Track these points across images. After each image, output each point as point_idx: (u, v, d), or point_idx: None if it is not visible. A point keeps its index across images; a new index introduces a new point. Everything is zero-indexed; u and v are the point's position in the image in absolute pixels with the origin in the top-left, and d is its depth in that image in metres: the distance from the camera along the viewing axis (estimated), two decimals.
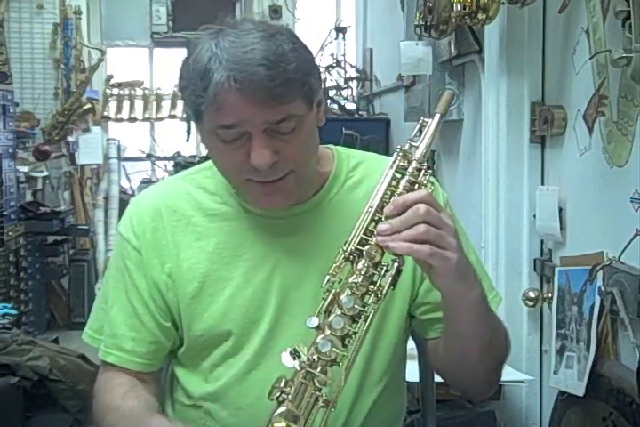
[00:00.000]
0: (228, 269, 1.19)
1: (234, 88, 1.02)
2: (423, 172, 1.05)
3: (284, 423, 0.99)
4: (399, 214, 1.00)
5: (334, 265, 1.03)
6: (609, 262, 1.70)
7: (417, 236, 0.98)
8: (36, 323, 4.59)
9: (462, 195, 2.63)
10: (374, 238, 1.01)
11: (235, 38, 1.04)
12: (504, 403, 2.22)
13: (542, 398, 2.19)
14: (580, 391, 1.76)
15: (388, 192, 1.04)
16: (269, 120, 1.05)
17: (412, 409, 1.58)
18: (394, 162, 1.06)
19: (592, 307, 1.76)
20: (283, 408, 1.00)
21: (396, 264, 1.02)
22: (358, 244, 1.03)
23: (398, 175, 1.05)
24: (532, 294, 2.07)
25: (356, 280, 1.02)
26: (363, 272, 1.02)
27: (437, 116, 1.07)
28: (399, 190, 1.03)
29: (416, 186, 1.04)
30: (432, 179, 1.25)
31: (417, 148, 1.06)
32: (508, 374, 2.03)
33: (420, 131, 1.08)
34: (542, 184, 2.15)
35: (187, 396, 1.25)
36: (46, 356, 2.69)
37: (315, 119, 1.13)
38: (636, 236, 1.60)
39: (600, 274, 1.72)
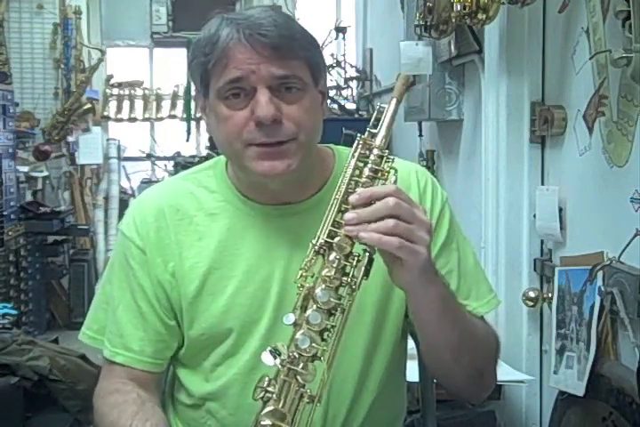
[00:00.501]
0: (230, 268, 1.19)
1: (242, 37, 1.07)
2: (385, 159, 1.05)
3: (270, 422, 0.99)
4: (365, 205, 1.00)
5: (306, 260, 1.02)
6: (609, 262, 1.70)
7: (386, 229, 0.98)
8: (36, 323, 4.59)
9: (462, 195, 2.63)
10: (343, 229, 1.01)
11: (243, 12, 1.13)
12: (504, 403, 2.22)
13: (542, 398, 2.19)
14: (580, 391, 1.76)
15: (352, 182, 1.04)
16: (274, 74, 1.08)
17: (412, 409, 1.58)
18: (355, 151, 1.06)
19: (592, 307, 1.76)
20: (269, 408, 1.00)
21: (367, 254, 1.01)
22: (327, 236, 1.02)
23: (361, 164, 1.05)
24: (532, 294, 2.07)
25: (328, 273, 1.01)
26: (335, 265, 1.01)
27: (394, 102, 1.07)
28: (363, 179, 1.03)
29: (379, 173, 1.04)
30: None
31: (377, 135, 1.06)
32: (508, 374, 2.03)
33: (378, 118, 1.07)
34: (542, 184, 2.15)
35: (188, 395, 1.25)
36: (46, 356, 2.69)
37: (318, 101, 1.16)
38: (635, 236, 1.60)
39: (600, 274, 1.72)
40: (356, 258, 1.02)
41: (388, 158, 1.05)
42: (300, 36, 1.11)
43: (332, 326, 1.01)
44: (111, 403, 1.19)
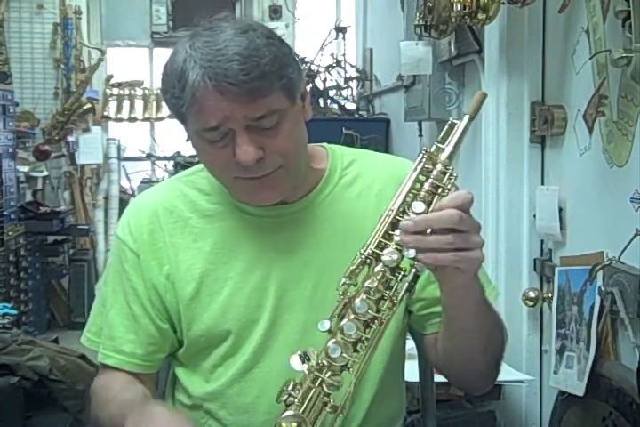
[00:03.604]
0: (226, 269, 1.19)
1: (210, 86, 1.03)
2: (448, 175, 1.01)
3: (288, 426, 0.98)
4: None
5: (351, 268, 1.01)
6: (609, 262, 1.70)
7: (444, 245, 0.95)
8: (36, 323, 4.59)
9: None
10: (393, 242, 0.99)
11: (208, 38, 1.06)
12: (504, 403, 2.22)
13: (542, 398, 2.19)
14: (580, 391, 1.76)
15: (411, 195, 1.01)
16: (250, 116, 1.05)
17: (412, 409, 1.58)
18: (418, 164, 1.02)
19: (592, 307, 1.76)
20: (289, 412, 0.99)
21: (413, 270, 0.99)
22: (376, 247, 1.00)
23: (422, 178, 1.01)
24: (531, 294, 2.07)
25: (371, 285, 0.99)
26: (379, 277, 0.99)
27: (466, 118, 1.03)
28: (422, 193, 1.00)
29: (439, 190, 1.00)
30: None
31: (443, 150, 1.02)
32: (508, 374, 2.03)
33: (448, 133, 1.03)
34: (542, 184, 2.15)
35: (187, 396, 1.25)
36: (46, 356, 2.69)
37: (300, 113, 1.13)
38: (635, 236, 1.60)
39: (600, 274, 1.72)
40: (401, 272, 1.00)
41: (451, 176, 1.01)
42: (270, 67, 1.04)
43: (367, 339, 1.00)
44: (101, 386, 1.22)
